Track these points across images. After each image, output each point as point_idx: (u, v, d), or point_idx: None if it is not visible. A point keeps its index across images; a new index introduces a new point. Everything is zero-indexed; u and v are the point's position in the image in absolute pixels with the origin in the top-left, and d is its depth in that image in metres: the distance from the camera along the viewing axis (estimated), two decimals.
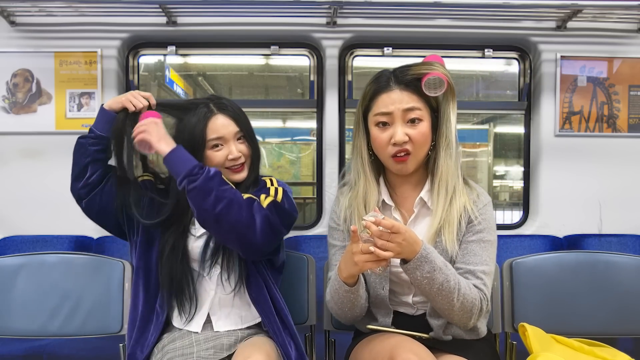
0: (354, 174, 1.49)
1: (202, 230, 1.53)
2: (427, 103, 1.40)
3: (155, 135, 1.43)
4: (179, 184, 1.41)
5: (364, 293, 1.41)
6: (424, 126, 1.38)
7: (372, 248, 1.21)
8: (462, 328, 1.41)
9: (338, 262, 1.38)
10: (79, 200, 1.55)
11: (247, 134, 1.55)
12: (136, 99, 1.50)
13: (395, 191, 1.49)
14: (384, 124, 1.39)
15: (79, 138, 1.54)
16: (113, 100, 1.53)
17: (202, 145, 1.50)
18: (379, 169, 1.50)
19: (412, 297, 1.46)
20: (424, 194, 1.44)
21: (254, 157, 1.57)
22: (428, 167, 1.47)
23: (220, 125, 1.51)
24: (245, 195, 1.44)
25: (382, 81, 1.40)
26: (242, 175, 1.55)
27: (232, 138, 1.52)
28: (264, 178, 1.59)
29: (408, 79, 1.38)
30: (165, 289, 1.50)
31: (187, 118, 1.52)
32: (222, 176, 1.43)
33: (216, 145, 1.51)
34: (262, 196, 1.47)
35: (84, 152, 1.51)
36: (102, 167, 1.53)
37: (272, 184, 1.54)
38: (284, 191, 1.51)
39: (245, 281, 1.51)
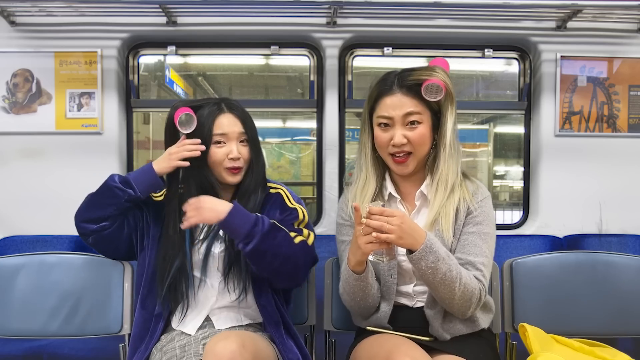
0: (357, 169, 1.58)
1: (204, 235, 1.53)
2: (428, 106, 1.47)
3: (207, 211, 1.41)
4: (236, 245, 1.42)
5: (375, 282, 1.45)
6: (422, 128, 1.46)
7: (374, 234, 1.26)
8: (460, 317, 1.43)
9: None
10: (84, 236, 1.54)
11: (251, 139, 1.57)
12: (188, 151, 1.49)
13: (399, 187, 1.56)
14: (386, 125, 1.47)
15: (112, 184, 1.49)
16: (165, 163, 1.50)
17: (209, 140, 1.52)
18: (383, 166, 1.56)
19: (413, 287, 1.49)
20: (424, 187, 1.51)
21: (255, 163, 1.57)
22: (427, 165, 1.53)
23: (227, 123, 1.53)
24: (298, 239, 1.48)
25: (387, 84, 1.48)
26: (237, 178, 1.55)
27: (236, 138, 1.54)
28: (293, 205, 1.58)
29: (409, 84, 1.45)
30: (159, 284, 1.51)
31: (199, 113, 1.53)
32: (275, 223, 1.45)
33: (219, 142, 1.52)
34: (311, 236, 1.52)
35: (114, 203, 1.49)
36: (122, 218, 1.54)
37: (303, 217, 1.56)
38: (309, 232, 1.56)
39: (252, 288, 1.52)
